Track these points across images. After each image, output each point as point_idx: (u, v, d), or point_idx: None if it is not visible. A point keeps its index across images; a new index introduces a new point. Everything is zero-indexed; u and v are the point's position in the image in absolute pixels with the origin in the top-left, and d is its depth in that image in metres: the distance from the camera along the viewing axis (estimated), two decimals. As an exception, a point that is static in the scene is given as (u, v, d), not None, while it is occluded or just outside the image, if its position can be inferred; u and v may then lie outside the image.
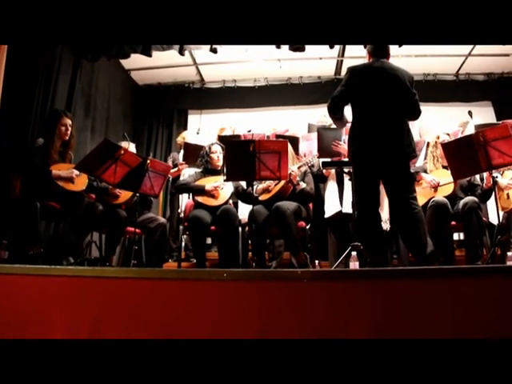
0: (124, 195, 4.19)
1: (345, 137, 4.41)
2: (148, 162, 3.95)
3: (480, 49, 6.04)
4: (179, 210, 5.31)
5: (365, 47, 5.01)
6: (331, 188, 4.49)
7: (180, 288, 2.20)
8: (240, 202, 4.63)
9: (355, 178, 3.36)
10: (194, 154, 4.85)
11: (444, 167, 4.03)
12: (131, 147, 4.35)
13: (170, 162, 5.37)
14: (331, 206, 4.43)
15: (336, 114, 3.40)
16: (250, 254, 4.26)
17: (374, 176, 3.22)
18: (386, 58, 3.31)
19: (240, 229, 4.16)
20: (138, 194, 4.05)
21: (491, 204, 4.21)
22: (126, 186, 3.92)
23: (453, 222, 4.04)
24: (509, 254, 4.00)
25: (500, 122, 4.61)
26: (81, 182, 3.85)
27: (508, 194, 3.95)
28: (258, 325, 2.01)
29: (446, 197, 3.98)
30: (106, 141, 3.79)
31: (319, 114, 5.84)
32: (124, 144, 4.17)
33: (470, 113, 4.88)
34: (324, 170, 4.50)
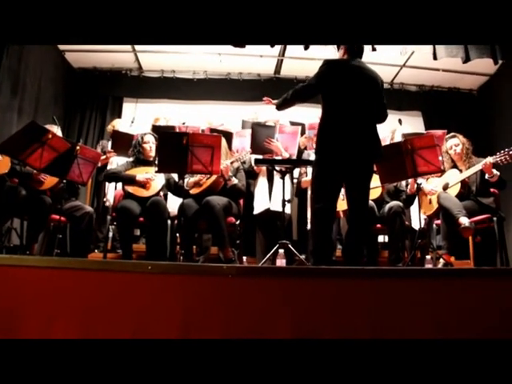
0: (49, 181, 4.02)
1: (278, 135, 4.48)
2: (77, 148, 3.84)
3: (414, 61, 6.35)
4: (104, 199, 5.18)
5: (305, 49, 5.13)
6: (261, 185, 4.54)
7: (103, 280, 2.11)
8: (170, 195, 4.57)
9: (319, 174, 3.19)
10: (123, 142, 4.76)
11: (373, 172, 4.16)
12: (58, 132, 4.17)
13: (98, 150, 5.23)
14: (260, 203, 4.47)
15: (300, 101, 3.39)
16: (177, 247, 4.22)
17: (341, 173, 3.18)
18: (360, 58, 3.30)
19: (169, 222, 4.09)
20: (64, 181, 3.91)
21: (414, 209, 4.39)
22: (53, 171, 3.78)
23: (378, 225, 4.20)
24: (427, 257, 4.20)
25: (425, 132, 4.84)
26: (3, 165, 3.66)
27: (430, 200, 4.14)
28: (180, 322, 1.98)
29: (373, 200, 4.10)
30: (33, 123, 3.62)
31: (251, 111, 5.87)
32: (52, 128, 4.00)
33: (400, 121, 5.06)
34: (255, 167, 4.53)
